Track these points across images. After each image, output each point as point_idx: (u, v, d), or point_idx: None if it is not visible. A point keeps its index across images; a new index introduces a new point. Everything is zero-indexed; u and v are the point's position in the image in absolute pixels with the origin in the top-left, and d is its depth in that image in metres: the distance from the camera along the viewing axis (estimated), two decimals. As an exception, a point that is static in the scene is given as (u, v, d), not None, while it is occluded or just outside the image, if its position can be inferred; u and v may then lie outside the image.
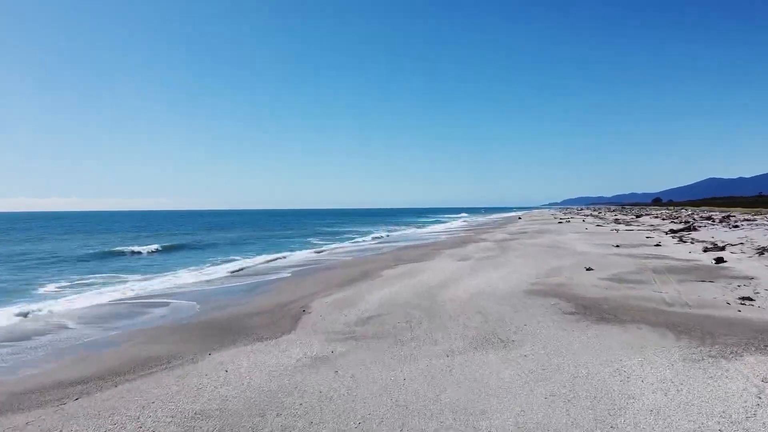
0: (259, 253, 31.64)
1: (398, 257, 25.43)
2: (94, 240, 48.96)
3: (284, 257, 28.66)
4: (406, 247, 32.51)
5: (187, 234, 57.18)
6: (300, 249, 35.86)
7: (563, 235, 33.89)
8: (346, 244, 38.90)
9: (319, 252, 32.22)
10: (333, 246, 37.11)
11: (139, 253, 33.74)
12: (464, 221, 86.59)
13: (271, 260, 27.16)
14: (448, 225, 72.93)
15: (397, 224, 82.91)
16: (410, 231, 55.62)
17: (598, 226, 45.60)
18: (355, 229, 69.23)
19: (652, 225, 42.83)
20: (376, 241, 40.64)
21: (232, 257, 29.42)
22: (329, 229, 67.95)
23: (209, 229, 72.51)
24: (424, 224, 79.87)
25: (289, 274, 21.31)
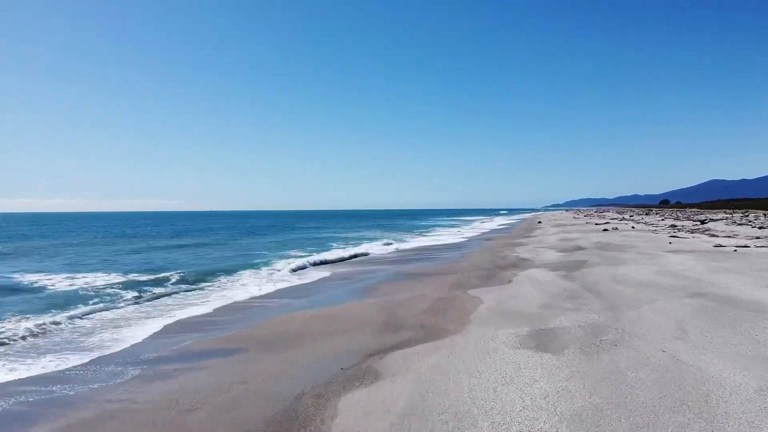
0: (193, 285, 19.01)
1: (389, 315, 12.68)
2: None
3: (201, 304, 15.91)
4: (405, 277, 19.73)
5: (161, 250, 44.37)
6: (254, 267, 23.64)
7: (663, 256, 21.06)
8: (322, 260, 26.22)
9: (270, 287, 19.39)
10: (302, 270, 24.26)
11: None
12: (473, 226, 73.78)
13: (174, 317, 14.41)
14: (456, 232, 60.25)
15: (395, 229, 70.07)
16: (412, 241, 42.80)
17: (673, 236, 32.79)
18: (346, 235, 56.45)
19: (758, 236, 30.04)
20: (364, 260, 27.94)
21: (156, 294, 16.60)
22: (318, 236, 55.16)
23: (194, 235, 59.76)
24: (426, 229, 67.22)
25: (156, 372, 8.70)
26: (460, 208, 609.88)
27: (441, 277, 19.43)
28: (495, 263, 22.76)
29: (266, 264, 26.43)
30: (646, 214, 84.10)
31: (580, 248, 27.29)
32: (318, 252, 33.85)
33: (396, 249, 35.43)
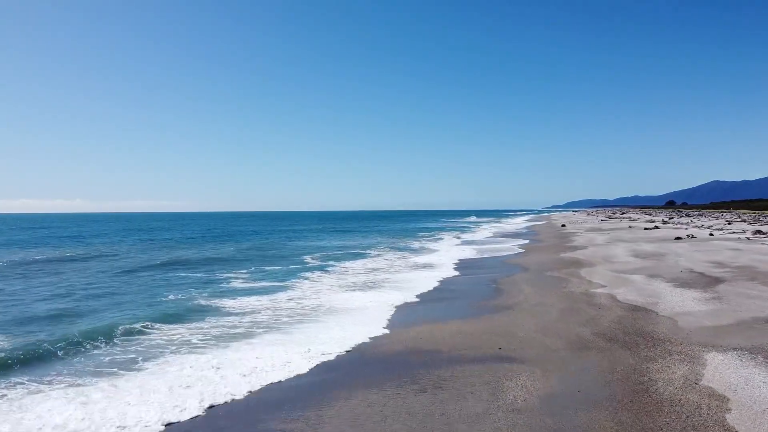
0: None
1: None
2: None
3: None
4: (395, 380, 7.79)
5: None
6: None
7: None
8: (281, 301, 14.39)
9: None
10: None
11: None
12: (486, 231, 62.03)
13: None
14: (467, 240, 48.63)
15: (399, 234, 58.18)
16: (428, 256, 30.94)
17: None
18: (332, 243, 44.65)
19: None
20: (375, 296, 16.07)
21: None
22: (299, 244, 43.35)
23: (179, 247, 47.80)
24: (431, 232, 55.34)
25: None
26: (459, 209, 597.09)
27: (487, 380, 7.61)
28: (602, 328, 10.92)
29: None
30: (687, 215, 72.25)
31: (714, 279, 15.43)
32: (289, 272, 21.85)
33: (417, 274, 23.48)
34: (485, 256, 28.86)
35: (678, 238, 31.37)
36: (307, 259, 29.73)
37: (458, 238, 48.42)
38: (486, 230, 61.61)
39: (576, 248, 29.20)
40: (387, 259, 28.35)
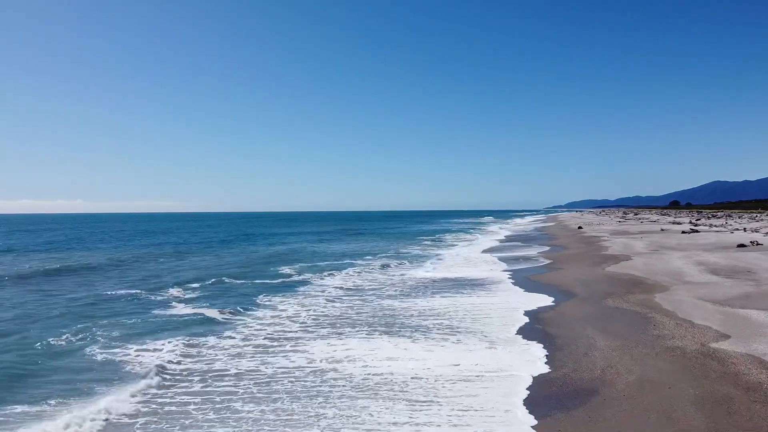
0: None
1: None
2: None
3: None
4: None
5: None
6: None
7: None
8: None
9: None
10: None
11: None
12: (496, 231, 56.27)
13: None
14: (483, 247, 43.03)
15: (406, 238, 52.37)
16: (440, 269, 25.14)
17: None
18: (352, 249, 38.89)
19: None
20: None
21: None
22: (300, 249, 37.53)
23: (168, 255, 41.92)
24: (434, 234, 49.58)
25: None
26: (459, 209, 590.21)
27: None
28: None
29: None
30: (713, 216, 66.55)
31: None
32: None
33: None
34: (514, 268, 22.87)
35: (741, 245, 25.64)
36: (285, 270, 23.94)
37: (472, 243, 42.70)
38: (498, 233, 55.78)
39: (617, 258, 23.43)
40: (386, 275, 22.55)
